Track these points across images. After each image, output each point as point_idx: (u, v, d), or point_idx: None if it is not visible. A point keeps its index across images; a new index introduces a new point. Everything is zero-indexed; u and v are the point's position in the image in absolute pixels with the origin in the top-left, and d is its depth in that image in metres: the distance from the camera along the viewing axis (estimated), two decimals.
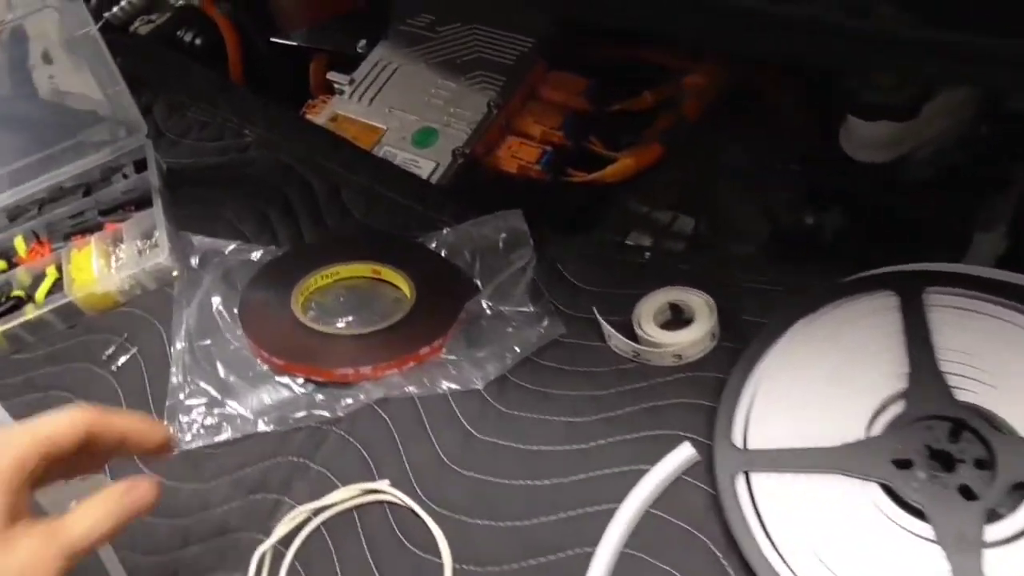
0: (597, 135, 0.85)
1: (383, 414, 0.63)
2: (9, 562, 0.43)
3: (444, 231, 0.74)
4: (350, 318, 0.69)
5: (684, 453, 0.55)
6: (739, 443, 0.54)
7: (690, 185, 0.87)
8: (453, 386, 0.63)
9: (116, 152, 0.82)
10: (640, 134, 0.87)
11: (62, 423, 0.46)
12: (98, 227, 0.78)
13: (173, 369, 0.67)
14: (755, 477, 0.53)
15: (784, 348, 0.57)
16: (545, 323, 0.65)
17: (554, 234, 0.74)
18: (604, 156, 0.83)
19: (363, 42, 0.95)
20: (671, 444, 0.56)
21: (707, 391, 0.59)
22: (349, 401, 0.63)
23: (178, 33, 1.08)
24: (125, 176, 0.82)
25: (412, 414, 0.62)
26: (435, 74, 0.89)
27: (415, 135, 0.86)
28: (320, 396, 0.64)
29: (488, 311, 0.68)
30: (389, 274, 0.72)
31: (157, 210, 0.77)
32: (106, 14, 1.01)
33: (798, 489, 0.52)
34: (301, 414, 0.63)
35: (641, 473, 0.55)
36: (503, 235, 0.73)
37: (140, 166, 0.82)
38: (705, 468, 0.55)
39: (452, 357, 0.65)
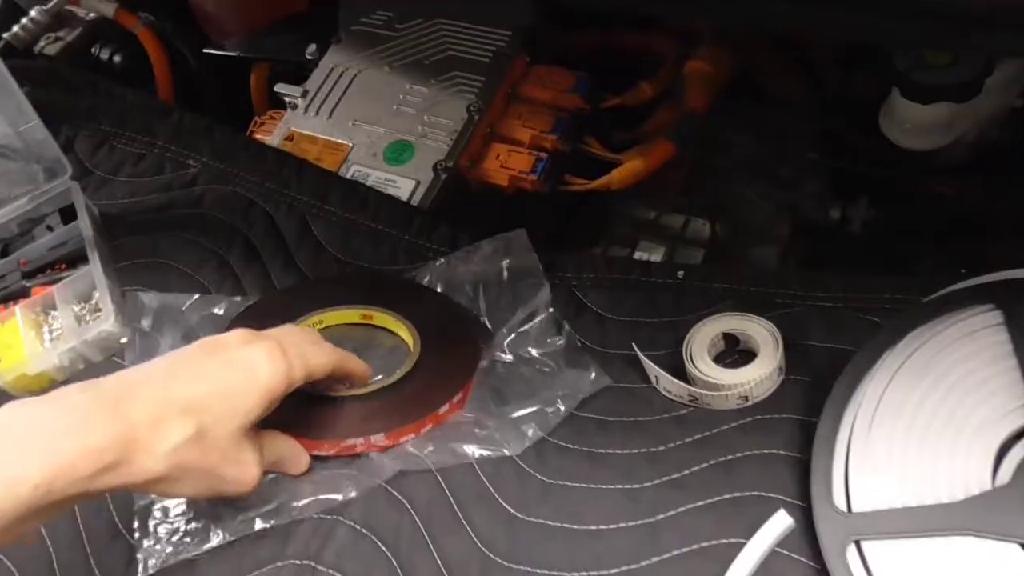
0: (594, 135, 0.76)
1: (399, 496, 0.52)
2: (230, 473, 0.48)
3: (438, 262, 0.64)
4: None
5: (780, 523, 0.46)
6: (842, 505, 0.46)
7: (699, 184, 0.78)
8: (483, 452, 0.53)
9: (36, 200, 0.70)
10: (636, 131, 0.78)
11: (329, 359, 0.53)
12: (23, 293, 0.66)
13: None
14: (868, 546, 0.44)
15: (877, 385, 0.48)
16: (592, 374, 0.55)
17: (565, 255, 0.64)
18: (606, 159, 0.74)
19: (312, 47, 0.83)
20: (755, 509, 0.47)
21: (784, 438, 0.50)
22: (360, 479, 0.53)
23: (92, 50, 0.95)
24: (50, 228, 0.69)
25: (434, 495, 0.52)
26: (402, 78, 0.79)
27: (387, 150, 0.75)
28: (324, 475, 0.53)
29: (507, 356, 0.58)
30: (382, 318, 0.62)
31: (94, 266, 0.65)
32: (5, 35, 0.88)
33: (922, 557, 0.43)
34: (304, 501, 0.52)
35: (725, 549, 0.46)
36: (506, 261, 0.63)
37: (68, 214, 0.69)
38: (801, 536, 0.46)
39: (475, 415, 0.55)
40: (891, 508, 0.45)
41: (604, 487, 0.50)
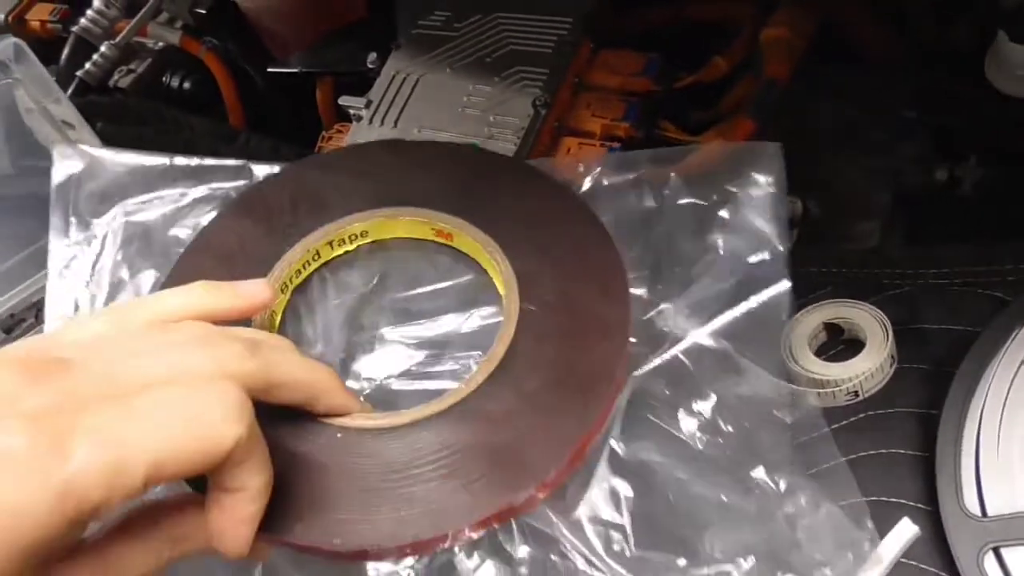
0: (669, 118, 0.71)
1: None
2: None
3: None
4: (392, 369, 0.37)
5: (905, 533, 0.41)
6: (975, 509, 0.41)
7: (786, 158, 0.73)
8: None
9: None
10: (714, 109, 0.73)
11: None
12: None
13: None
14: (1009, 554, 0.39)
15: (1006, 369, 0.43)
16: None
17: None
18: (683, 143, 0.70)
19: (373, 55, 0.81)
20: (875, 516, 0.43)
21: (902, 435, 0.46)
22: None
23: (163, 79, 0.97)
24: None
25: None
26: (464, 79, 0.76)
27: None
28: None
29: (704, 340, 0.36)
30: (467, 242, 0.40)
31: None
32: (79, 73, 0.89)
33: None
34: None
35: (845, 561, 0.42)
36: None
37: None
38: (930, 543, 0.42)
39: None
40: None
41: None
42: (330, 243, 0.41)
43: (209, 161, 0.48)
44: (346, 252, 0.42)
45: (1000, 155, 0.66)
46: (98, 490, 0.25)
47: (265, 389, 0.32)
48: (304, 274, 0.41)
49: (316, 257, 0.41)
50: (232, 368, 0.30)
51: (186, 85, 0.95)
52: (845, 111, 0.73)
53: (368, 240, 0.42)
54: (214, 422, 0.28)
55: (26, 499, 0.24)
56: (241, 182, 0.45)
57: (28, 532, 0.24)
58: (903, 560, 0.42)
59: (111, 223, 0.49)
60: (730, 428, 0.36)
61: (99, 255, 0.47)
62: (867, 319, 0.49)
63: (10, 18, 0.96)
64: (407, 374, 0.40)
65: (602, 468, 0.33)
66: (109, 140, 0.69)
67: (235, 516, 0.30)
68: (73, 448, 0.25)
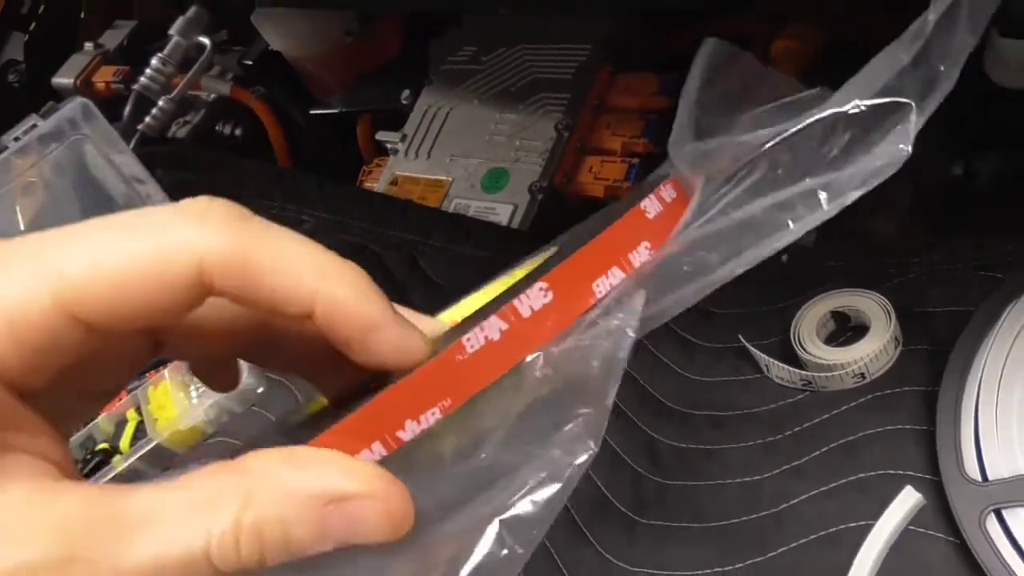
0: None
1: None
2: None
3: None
4: None
5: (908, 501, 0.43)
6: (975, 475, 0.43)
7: None
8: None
9: None
10: None
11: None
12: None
13: None
14: (1010, 514, 0.41)
15: (1002, 343, 0.45)
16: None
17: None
18: None
19: (406, 92, 0.87)
20: (882, 488, 0.45)
21: (907, 412, 0.48)
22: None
23: (217, 128, 1.03)
24: None
25: None
26: (491, 108, 0.81)
27: (484, 180, 0.77)
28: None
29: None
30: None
31: None
32: (139, 126, 0.96)
33: None
34: None
35: (854, 532, 0.44)
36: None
37: None
38: (936, 511, 0.44)
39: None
40: None
41: (722, 482, 0.49)
42: None
43: None
44: None
45: (1015, 148, 0.68)
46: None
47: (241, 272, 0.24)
48: None
49: None
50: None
51: (237, 132, 1.02)
52: None
53: None
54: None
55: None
56: None
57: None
58: (910, 527, 0.44)
59: None
60: None
61: None
62: (871, 305, 0.51)
63: (78, 82, 1.04)
64: None
65: None
66: (169, 187, 0.75)
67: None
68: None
